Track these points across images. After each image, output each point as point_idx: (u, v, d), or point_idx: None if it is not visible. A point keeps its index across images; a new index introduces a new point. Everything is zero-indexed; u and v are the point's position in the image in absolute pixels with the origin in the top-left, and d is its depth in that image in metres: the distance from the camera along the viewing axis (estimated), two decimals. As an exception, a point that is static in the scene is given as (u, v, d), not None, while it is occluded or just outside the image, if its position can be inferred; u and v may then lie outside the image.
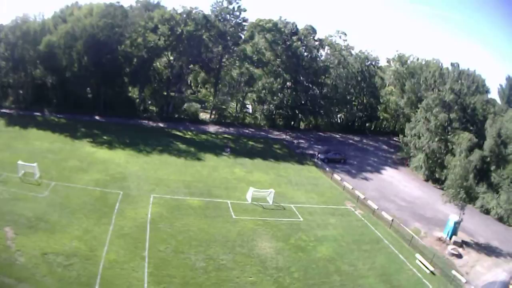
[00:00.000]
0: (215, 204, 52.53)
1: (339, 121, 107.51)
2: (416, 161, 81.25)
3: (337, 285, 39.25)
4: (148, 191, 53.29)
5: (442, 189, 67.17)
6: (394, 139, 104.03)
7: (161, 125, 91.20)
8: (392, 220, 54.53)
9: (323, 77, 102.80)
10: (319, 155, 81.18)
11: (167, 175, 60.74)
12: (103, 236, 40.92)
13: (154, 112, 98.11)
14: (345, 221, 54.01)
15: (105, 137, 74.27)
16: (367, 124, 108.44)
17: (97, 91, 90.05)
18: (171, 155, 71.58)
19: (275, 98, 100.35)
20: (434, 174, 75.79)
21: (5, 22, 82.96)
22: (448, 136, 74.10)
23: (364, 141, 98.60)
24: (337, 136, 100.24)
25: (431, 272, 43.25)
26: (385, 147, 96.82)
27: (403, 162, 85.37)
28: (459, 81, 78.36)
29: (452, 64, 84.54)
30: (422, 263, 44.55)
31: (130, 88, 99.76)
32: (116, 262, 36.64)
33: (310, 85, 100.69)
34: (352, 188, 65.86)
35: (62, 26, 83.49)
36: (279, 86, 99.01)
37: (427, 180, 76.42)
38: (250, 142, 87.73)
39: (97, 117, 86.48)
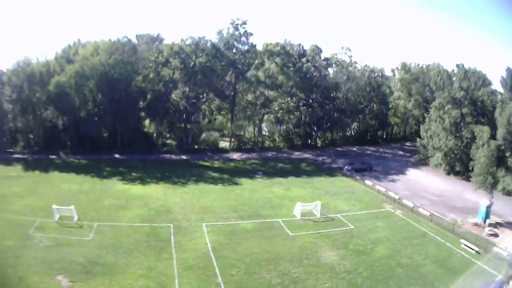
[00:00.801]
0: (267, 224, 53.36)
1: (353, 133, 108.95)
2: (435, 160, 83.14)
3: (403, 276, 41.20)
4: (198, 220, 53.51)
5: (466, 179, 71.36)
6: (407, 144, 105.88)
7: (183, 157, 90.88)
8: (431, 215, 56.11)
9: (334, 93, 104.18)
10: (346, 167, 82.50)
11: (211, 202, 60.99)
12: (169, 271, 39.88)
13: (173, 145, 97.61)
14: (390, 222, 55.47)
15: (134, 174, 73.75)
16: (379, 133, 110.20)
17: (112, 129, 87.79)
18: (207, 183, 71.73)
19: (291, 117, 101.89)
20: (455, 168, 77.01)
21: (7, 66, 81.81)
22: (463, 132, 75.18)
23: (380, 150, 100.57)
24: (354, 149, 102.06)
25: (477, 252, 45.34)
26: (400, 152, 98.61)
27: (422, 162, 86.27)
28: (466, 79, 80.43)
29: (457, 65, 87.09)
30: (467, 246, 46.88)
31: (146, 123, 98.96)
32: None
33: (324, 101, 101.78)
34: (385, 191, 67.49)
35: (70, 66, 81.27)
36: (294, 105, 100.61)
37: (448, 174, 77.83)
38: (279, 164, 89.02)
39: (116, 156, 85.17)
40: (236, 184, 71.85)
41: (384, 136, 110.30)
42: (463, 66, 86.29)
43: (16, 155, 76.59)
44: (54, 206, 49.38)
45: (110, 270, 39.17)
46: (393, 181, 75.01)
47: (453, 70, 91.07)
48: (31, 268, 37.75)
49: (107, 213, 53.62)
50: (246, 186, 70.89)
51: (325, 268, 42.20)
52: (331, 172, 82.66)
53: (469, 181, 71.19)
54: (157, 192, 64.03)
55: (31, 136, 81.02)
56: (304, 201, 58.82)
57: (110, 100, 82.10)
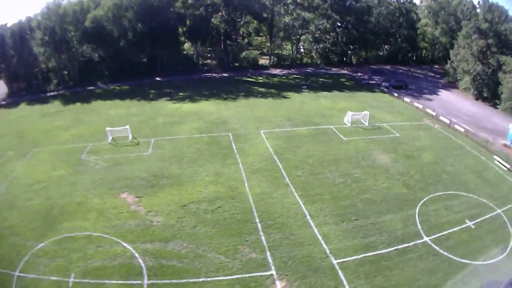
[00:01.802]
0: (321, 130, 54.48)
1: (385, 53, 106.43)
2: (464, 83, 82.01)
3: (448, 182, 42.16)
4: (255, 129, 54.00)
5: (493, 106, 72.20)
6: (435, 67, 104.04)
7: (225, 75, 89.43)
8: (466, 131, 56.50)
9: (367, 16, 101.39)
10: (383, 83, 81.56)
11: (264, 113, 61.33)
12: (237, 175, 40.07)
13: (213, 65, 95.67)
14: (431, 134, 56.04)
15: (181, 93, 72.07)
16: (409, 55, 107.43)
17: (152, 55, 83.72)
18: (257, 97, 71.58)
19: (328, 37, 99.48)
20: (482, 94, 76.27)
21: (35, 12, 75.92)
22: (489, 60, 73.62)
23: (412, 70, 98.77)
24: (387, 67, 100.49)
25: (508, 169, 45.70)
26: (430, 74, 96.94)
27: (451, 85, 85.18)
28: (490, 12, 77.98)
29: None
30: (500, 162, 47.28)
31: (185, 46, 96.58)
32: (264, 194, 36.70)
33: (358, 23, 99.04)
34: (423, 107, 67.42)
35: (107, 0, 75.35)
36: (330, 26, 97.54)
37: (477, 99, 77.20)
38: (320, 79, 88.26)
39: (158, 79, 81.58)
40: (285, 97, 71.80)
41: (414, 58, 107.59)
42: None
43: (51, 93, 71.59)
44: (107, 128, 47.57)
45: (177, 180, 38.74)
46: (428, 99, 74.55)
47: (478, 1, 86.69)
48: (90, 191, 36.57)
49: (162, 129, 52.65)
50: (294, 99, 70.95)
51: (381, 170, 43.48)
52: (370, 87, 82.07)
53: (497, 108, 72.19)
54: (209, 107, 63.38)
55: (65, 73, 76.54)
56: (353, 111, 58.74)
57: (150, 28, 77.60)
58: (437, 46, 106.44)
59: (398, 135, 53.90)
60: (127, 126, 48.97)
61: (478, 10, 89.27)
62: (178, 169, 41.01)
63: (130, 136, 47.91)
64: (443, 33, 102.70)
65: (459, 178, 43.06)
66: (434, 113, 63.55)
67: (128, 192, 36.99)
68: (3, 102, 67.10)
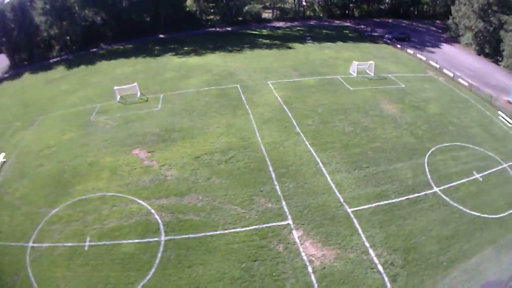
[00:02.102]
0: (328, 80, 52.08)
1: (387, 6, 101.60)
2: (465, 39, 78.76)
3: (455, 134, 40.59)
4: (263, 79, 51.81)
5: (495, 62, 69.05)
6: (437, 21, 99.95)
7: (229, 29, 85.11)
8: (470, 85, 54.27)
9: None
10: (386, 35, 78.03)
11: (270, 64, 58.71)
12: (248, 126, 38.83)
13: (216, 19, 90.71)
14: (436, 86, 53.77)
15: (186, 48, 68.49)
16: (411, 9, 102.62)
17: (154, 13, 78.84)
18: (262, 49, 68.51)
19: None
20: (484, 49, 73.23)
21: None
22: (491, 18, 70.09)
23: (414, 24, 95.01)
24: (389, 20, 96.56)
25: None
26: (432, 28, 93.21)
27: (453, 40, 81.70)
28: None
29: None
30: (504, 118, 45.56)
31: (187, 3, 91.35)
32: (276, 143, 35.62)
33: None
34: (426, 59, 64.68)
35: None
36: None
37: (479, 55, 74.16)
38: (324, 30, 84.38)
39: (161, 36, 77.45)
40: (289, 48, 68.65)
41: (416, 13, 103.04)
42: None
43: (54, 60, 66.80)
44: (115, 87, 45.22)
45: (188, 133, 37.38)
46: (431, 52, 71.55)
47: None
48: (101, 150, 34.98)
49: (170, 84, 50.24)
50: (299, 49, 67.83)
51: (389, 119, 41.91)
52: (373, 39, 78.69)
53: (499, 64, 68.88)
54: (215, 60, 60.53)
55: (68, 38, 71.47)
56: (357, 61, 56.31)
57: None
58: (438, 1, 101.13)
59: (403, 86, 51.59)
60: (135, 84, 46.69)
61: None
62: (189, 122, 39.49)
63: (139, 93, 46.05)
64: None
65: (465, 131, 41.47)
66: (437, 66, 61.05)
67: (140, 148, 35.15)
68: (6, 75, 62.90)
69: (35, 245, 25.36)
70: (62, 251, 24.77)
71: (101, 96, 47.33)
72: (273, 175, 31.55)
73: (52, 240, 25.59)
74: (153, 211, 27.72)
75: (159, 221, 26.92)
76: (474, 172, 34.09)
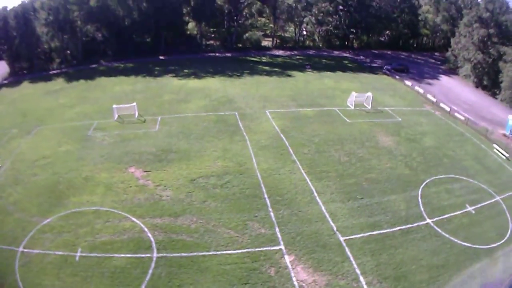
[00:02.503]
0: (326, 112, 53.88)
1: (386, 38, 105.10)
2: (464, 71, 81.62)
3: (449, 166, 42.00)
4: (261, 108, 53.28)
5: (492, 96, 71.67)
6: (436, 54, 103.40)
7: (229, 55, 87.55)
8: (466, 119, 56.13)
9: (369, 0, 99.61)
10: (385, 66, 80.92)
11: (269, 92, 60.39)
12: (245, 151, 39.75)
13: (216, 45, 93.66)
14: (432, 120, 55.63)
15: (186, 70, 70.37)
16: (410, 41, 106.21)
17: (155, 34, 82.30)
18: (261, 75, 70.46)
19: (331, 19, 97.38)
20: (482, 82, 75.87)
21: None
22: (490, 50, 73.11)
23: (412, 56, 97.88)
24: (388, 52, 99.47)
25: (507, 158, 45.39)
26: (431, 60, 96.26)
27: (452, 72, 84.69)
28: (491, 2, 77.36)
29: None
30: (499, 151, 46.91)
31: (189, 26, 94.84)
32: (271, 170, 36.63)
33: (360, 7, 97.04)
34: (424, 92, 66.79)
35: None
36: (333, 9, 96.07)
37: (477, 87, 76.73)
38: (323, 60, 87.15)
39: (161, 57, 79.94)
40: (289, 76, 70.84)
41: (415, 45, 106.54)
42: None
43: (54, 71, 68.56)
44: (114, 106, 46.06)
45: (185, 155, 38.21)
46: (429, 84, 74.04)
47: None
48: (97, 166, 35.74)
49: (168, 107, 51.39)
50: (298, 78, 69.94)
51: (384, 151, 43.38)
52: (372, 69, 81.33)
53: (496, 98, 71.41)
54: (215, 85, 62.08)
55: (68, 52, 74.05)
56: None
57: (154, 8, 76.94)
58: (438, 34, 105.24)
59: (400, 119, 53.38)
60: (134, 103, 47.35)
61: (479, 0, 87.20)
62: (186, 144, 40.50)
63: (137, 114, 46.90)
64: (444, 20, 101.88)
65: (459, 163, 42.83)
66: (434, 100, 63.08)
67: (136, 166, 35.93)
68: (5, 81, 64.95)
69: (25, 250, 26.03)
70: (53, 259, 25.47)
71: (99, 113, 48.50)
72: (268, 202, 32.31)
73: (43, 248, 26.33)
74: (146, 229, 28.68)
75: (152, 239, 27.85)
76: (467, 205, 35.25)
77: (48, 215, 29.55)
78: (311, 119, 50.30)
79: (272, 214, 31.51)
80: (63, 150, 38.71)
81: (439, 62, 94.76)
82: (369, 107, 55.65)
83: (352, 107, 55.35)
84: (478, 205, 34.79)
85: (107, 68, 71.37)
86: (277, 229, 29.79)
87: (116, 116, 45.76)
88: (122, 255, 26.09)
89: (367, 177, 37.99)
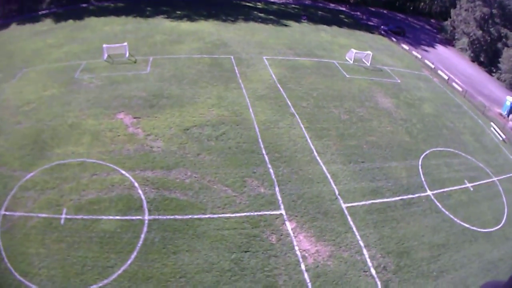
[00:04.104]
0: (324, 64, 49.97)
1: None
2: (461, 44, 78.58)
3: (448, 138, 39.98)
4: (257, 54, 48.85)
5: (489, 72, 69.56)
6: (432, 20, 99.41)
7: None
8: (465, 92, 54.07)
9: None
10: (382, 26, 76.61)
11: (265, 39, 55.66)
12: (241, 100, 36.41)
13: None
14: (430, 87, 52.78)
15: (178, 12, 63.88)
16: (407, 3, 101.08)
17: None
18: (257, 22, 64.84)
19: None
20: (479, 57, 73.19)
21: None
22: (491, 29, 69.97)
23: (409, 19, 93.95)
24: (384, 11, 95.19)
25: (503, 140, 44.01)
26: (427, 27, 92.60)
27: (448, 42, 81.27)
28: None
29: None
30: (496, 130, 45.45)
31: None
32: (270, 122, 33.57)
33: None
34: (421, 58, 63.85)
35: None
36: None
37: (473, 61, 74.05)
38: (319, 12, 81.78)
39: None
40: (285, 25, 65.67)
41: (412, 8, 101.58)
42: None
43: (43, 12, 61.10)
44: (104, 45, 41.41)
45: (177, 101, 34.44)
46: (425, 51, 70.79)
47: None
48: (83, 111, 31.57)
49: (160, 47, 46.30)
50: (294, 28, 65.05)
51: (384, 113, 40.76)
52: (368, 28, 76.83)
53: (492, 75, 69.44)
54: (208, 28, 56.90)
55: None
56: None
57: None
58: (436, 1, 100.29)
59: (399, 81, 50.33)
60: (125, 43, 42.67)
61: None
62: (179, 89, 36.37)
63: (127, 54, 42.24)
64: None
65: (458, 137, 41.02)
66: (432, 66, 60.37)
67: (125, 112, 31.85)
68: None
69: (7, 213, 22.50)
70: (36, 223, 22.04)
71: (87, 53, 43.28)
72: (266, 158, 29.21)
73: (25, 209, 22.75)
74: (136, 184, 25.04)
75: (143, 197, 24.33)
76: (466, 181, 33.74)
77: (31, 168, 25.55)
78: (309, 70, 46.53)
79: (271, 171, 28.34)
80: (48, 95, 33.90)
81: (435, 30, 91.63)
82: (368, 64, 52.31)
83: (351, 62, 51.87)
84: (476, 183, 33.46)
85: (97, 8, 64.12)
86: (277, 189, 26.81)
87: (106, 55, 41.27)
88: (111, 217, 22.73)
89: (368, 139, 35.30)
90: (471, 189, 33.06)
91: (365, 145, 34.38)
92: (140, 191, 24.60)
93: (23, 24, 55.25)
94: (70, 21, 56.30)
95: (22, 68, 39.68)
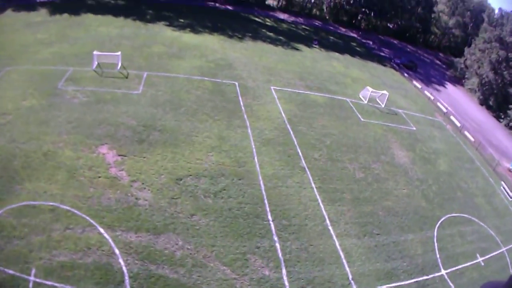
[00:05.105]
0: (337, 102, 46.25)
1: (395, 26, 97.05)
2: (470, 83, 76.50)
3: (462, 202, 37.35)
4: (265, 82, 44.68)
5: (497, 118, 68.45)
6: (441, 55, 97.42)
7: (230, 8, 75.86)
8: (478, 144, 51.68)
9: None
10: (394, 59, 74.14)
11: (274, 64, 51.52)
12: (245, 144, 31.77)
13: None
14: (444, 136, 50.08)
15: (182, 20, 59.33)
16: (418, 36, 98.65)
17: None
18: (265, 42, 60.51)
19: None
20: (488, 101, 70.81)
21: None
22: (504, 72, 68.26)
23: (419, 52, 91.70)
24: (395, 42, 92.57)
25: None
26: (437, 61, 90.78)
27: (457, 80, 79.71)
28: None
29: (499, 8, 76.88)
30: (505, 190, 43.31)
31: None
32: (277, 178, 29.12)
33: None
34: (434, 99, 61.31)
35: None
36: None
37: (481, 105, 72.04)
38: (330, 37, 78.45)
39: None
40: (295, 49, 61.99)
41: (421, 40, 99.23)
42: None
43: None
44: (95, 52, 36.99)
45: (171, 137, 29.68)
46: (436, 90, 68.20)
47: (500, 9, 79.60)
48: (62, 136, 26.89)
49: (157, 61, 41.65)
50: (305, 53, 61.39)
51: (400, 170, 37.55)
52: (381, 60, 73.71)
53: (499, 121, 67.96)
54: (213, 43, 52.51)
55: None
56: (365, 85, 52.10)
57: None
58: (448, 36, 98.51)
59: (414, 128, 47.41)
60: (119, 53, 38.14)
61: (506, 20, 79.66)
62: (174, 121, 31.75)
63: (119, 65, 37.66)
64: (457, 25, 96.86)
65: (471, 200, 38.39)
66: (445, 110, 58.01)
67: (109, 145, 27.09)
68: None
69: None
70: (2, 279, 17.79)
71: (76, 58, 38.76)
72: (273, 227, 25.45)
73: None
74: (117, 251, 20.64)
75: (124, 269, 19.94)
76: (477, 255, 31.28)
77: (-2, 204, 20.80)
78: (321, 109, 42.95)
79: (278, 245, 24.37)
80: (27, 106, 29.44)
81: (444, 66, 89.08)
82: (383, 106, 49.17)
83: (365, 102, 48.52)
84: (487, 256, 31.23)
85: (95, 3, 59.55)
86: (284, 272, 22.86)
87: (95, 64, 36.75)
88: (87, 290, 17.97)
89: (384, 205, 31.92)
90: (482, 264, 30.68)
91: (381, 211, 30.90)
92: (121, 261, 20.22)
93: (18, 11, 50.82)
94: (66, 14, 51.72)
95: (5, 66, 35.02)
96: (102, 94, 32.88)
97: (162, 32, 52.83)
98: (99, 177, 24.29)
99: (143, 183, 24.68)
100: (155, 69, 39.68)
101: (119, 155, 26.38)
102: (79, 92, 32.50)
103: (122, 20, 53.76)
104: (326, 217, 28.05)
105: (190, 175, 26.49)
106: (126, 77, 36.84)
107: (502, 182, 44.74)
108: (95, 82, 34.59)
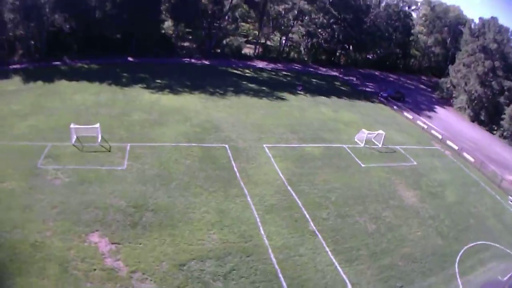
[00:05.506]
0: (334, 150, 46.95)
1: (374, 56, 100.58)
2: (459, 102, 78.71)
3: (476, 228, 38.57)
4: (256, 141, 44.17)
5: (490, 131, 70.08)
6: (423, 78, 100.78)
7: (206, 62, 76.72)
8: (480, 164, 53.00)
9: (364, 16, 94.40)
10: (381, 93, 76.39)
11: (262, 120, 51.23)
12: (247, 215, 30.87)
13: (192, 48, 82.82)
14: (445, 164, 51.42)
15: (158, 81, 59.09)
16: (398, 62, 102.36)
17: (127, 32, 70.54)
18: (249, 96, 60.73)
19: (322, 33, 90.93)
20: (479, 116, 72.75)
21: None
22: (492, 83, 70.12)
23: (402, 79, 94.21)
24: (376, 73, 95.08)
25: None
26: (421, 86, 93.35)
27: (445, 102, 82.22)
28: (500, 33, 74.32)
29: (492, 18, 79.47)
30: None
31: (164, 25, 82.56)
32: (288, 248, 28.30)
33: (355, 22, 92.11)
34: (427, 128, 62.94)
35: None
36: (327, 22, 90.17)
37: (473, 121, 74.04)
38: (313, 80, 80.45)
39: (130, 59, 68.34)
40: (281, 98, 62.97)
41: (401, 66, 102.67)
42: (497, 19, 79.83)
43: (14, 66, 57.11)
44: (72, 126, 36.21)
45: (166, 217, 28.52)
46: (428, 117, 69.95)
47: (487, 20, 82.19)
48: (47, 224, 25.65)
49: (139, 131, 40.97)
50: (291, 102, 62.38)
51: (411, 212, 38.24)
52: (367, 96, 75.58)
53: (493, 133, 69.29)
54: (194, 104, 51.99)
55: (32, 43, 62.83)
56: (358, 127, 53.27)
57: (130, 1, 67.27)
58: (427, 56, 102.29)
59: (415, 163, 48.35)
60: (98, 125, 37.40)
61: (486, 30, 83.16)
62: (167, 197, 30.71)
63: (100, 138, 37.28)
64: (436, 42, 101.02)
65: (484, 224, 39.53)
66: (440, 137, 59.55)
67: (100, 232, 25.81)
68: None
69: None
70: None
71: (54, 131, 37.90)
72: (293, 309, 24.36)
73: None
74: None
75: None
76: (499, 277, 32.13)
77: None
78: (319, 162, 43.27)
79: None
80: (7, 189, 28.30)
81: (429, 89, 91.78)
82: (380, 145, 50.12)
83: (362, 145, 49.46)
84: (507, 276, 32.19)
85: (69, 69, 60.33)
86: None
87: (74, 138, 36.38)
88: None
89: (402, 253, 32.27)
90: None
91: (400, 261, 31.17)
92: None
93: (-9, 78, 49.46)
94: (40, 82, 51.94)
95: (-21, 144, 33.36)
96: (85, 173, 31.75)
97: (140, 96, 52.24)
98: (95, 269, 22.85)
99: (143, 273, 23.27)
100: (138, 139, 38.92)
101: (113, 243, 24.93)
102: (60, 172, 31.34)
103: (97, 86, 53.48)
104: (347, 280, 27.74)
105: (194, 259, 25.22)
106: (109, 151, 35.98)
107: (510, 197, 46.29)
108: (76, 159, 33.69)
